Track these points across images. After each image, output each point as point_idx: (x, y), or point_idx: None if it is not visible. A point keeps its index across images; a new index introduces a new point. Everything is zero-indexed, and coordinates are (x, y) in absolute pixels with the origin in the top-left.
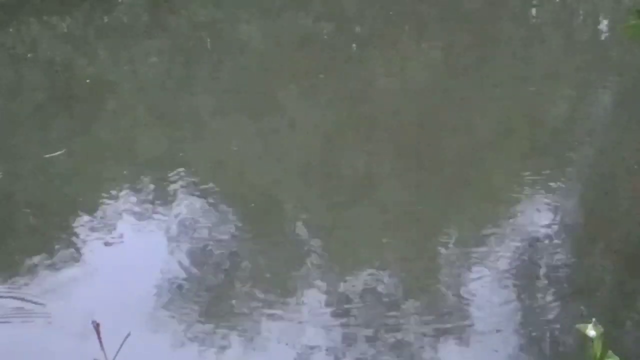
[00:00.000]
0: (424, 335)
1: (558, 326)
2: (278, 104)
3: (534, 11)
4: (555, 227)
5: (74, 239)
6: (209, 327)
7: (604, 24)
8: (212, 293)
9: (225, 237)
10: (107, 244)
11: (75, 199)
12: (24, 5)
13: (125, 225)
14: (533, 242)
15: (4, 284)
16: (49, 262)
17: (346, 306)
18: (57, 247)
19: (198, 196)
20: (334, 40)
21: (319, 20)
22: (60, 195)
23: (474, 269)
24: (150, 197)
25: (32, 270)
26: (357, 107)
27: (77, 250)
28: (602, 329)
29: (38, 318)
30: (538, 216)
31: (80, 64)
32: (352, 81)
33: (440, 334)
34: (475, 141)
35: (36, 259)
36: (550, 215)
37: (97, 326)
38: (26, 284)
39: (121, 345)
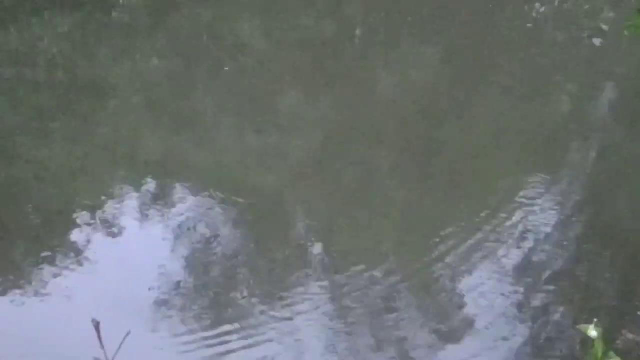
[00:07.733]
0: (424, 335)
1: (559, 326)
2: (279, 104)
3: (534, 12)
4: (557, 226)
5: (74, 238)
6: (209, 326)
7: (604, 24)
8: (212, 292)
9: (226, 236)
10: (107, 243)
11: (75, 199)
12: (24, 5)
13: (126, 225)
14: (534, 242)
15: (5, 281)
16: (49, 260)
17: (347, 306)
18: (57, 246)
19: (198, 195)
20: (334, 41)
21: (320, 21)
22: (61, 194)
23: (475, 268)
24: (151, 196)
25: (33, 268)
26: (357, 108)
27: (78, 249)
28: (603, 329)
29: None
30: (539, 216)
31: (81, 64)
32: (353, 81)
33: (440, 333)
34: (476, 142)
35: (37, 258)
36: (552, 215)
37: (97, 325)
38: (27, 282)
39: (121, 344)
